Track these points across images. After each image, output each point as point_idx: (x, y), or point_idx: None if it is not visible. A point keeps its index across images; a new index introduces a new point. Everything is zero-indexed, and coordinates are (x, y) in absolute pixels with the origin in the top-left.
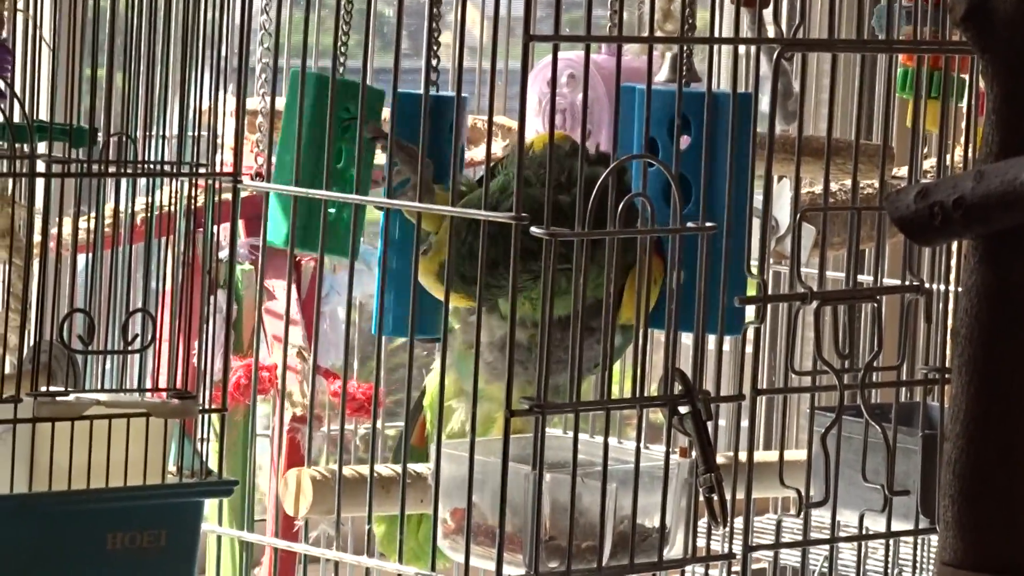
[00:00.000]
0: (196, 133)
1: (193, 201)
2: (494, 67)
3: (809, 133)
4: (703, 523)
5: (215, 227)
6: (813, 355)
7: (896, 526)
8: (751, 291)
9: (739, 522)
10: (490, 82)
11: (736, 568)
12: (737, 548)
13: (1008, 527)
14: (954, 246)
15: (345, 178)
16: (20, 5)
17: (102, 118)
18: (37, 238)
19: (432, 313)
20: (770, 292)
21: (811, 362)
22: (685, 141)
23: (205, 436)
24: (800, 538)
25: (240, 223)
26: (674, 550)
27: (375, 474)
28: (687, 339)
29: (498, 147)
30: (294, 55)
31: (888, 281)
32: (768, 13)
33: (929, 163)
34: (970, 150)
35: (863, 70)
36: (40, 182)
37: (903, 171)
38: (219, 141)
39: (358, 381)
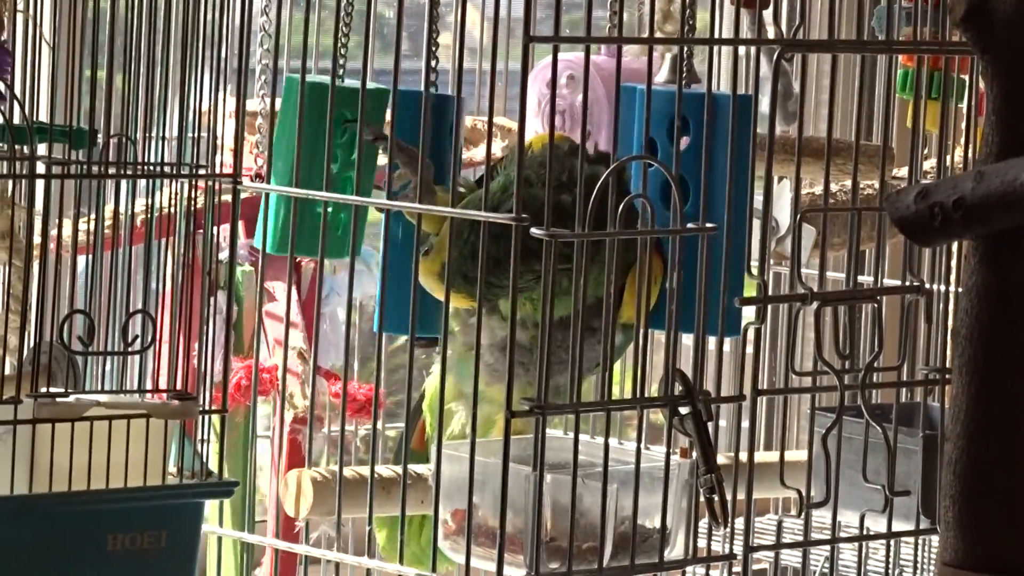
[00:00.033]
0: (196, 134)
1: (193, 202)
2: (494, 68)
3: (809, 134)
4: (704, 524)
5: (215, 228)
6: (813, 356)
7: (897, 526)
8: (751, 292)
9: (740, 523)
10: (490, 83)
11: (737, 569)
12: (738, 549)
13: (1009, 527)
14: (954, 247)
15: (340, 181)
16: (20, 6)
17: (102, 119)
18: (37, 239)
19: (433, 312)
20: (770, 293)
21: (811, 363)
22: (684, 142)
23: (205, 437)
24: (801, 539)
25: (240, 224)
26: (675, 551)
27: (375, 475)
28: (687, 340)
29: (496, 148)
30: (294, 56)
31: (888, 282)
32: (768, 14)
33: (929, 164)
34: (970, 151)
35: (863, 71)
36: (40, 183)
37: (903, 172)
38: (219, 142)
39: (359, 382)
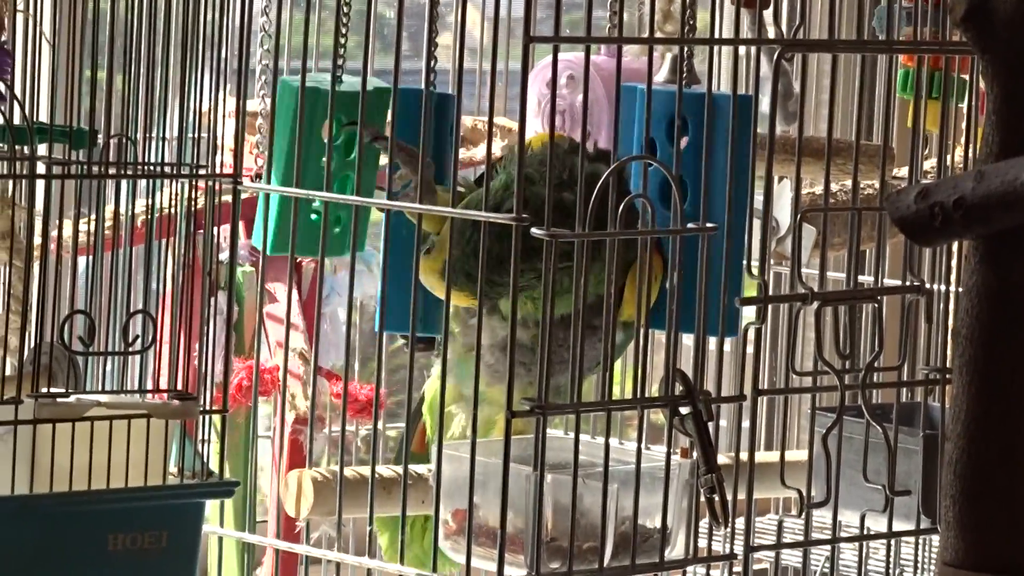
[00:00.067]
0: (196, 135)
1: (193, 203)
2: (494, 68)
3: (809, 134)
4: (704, 524)
5: (215, 229)
6: (814, 355)
7: (897, 526)
8: (751, 292)
9: (740, 522)
10: (490, 83)
11: (737, 568)
12: (738, 548)
13: (1009, 527)
14: (955, 246)
15: (337, 181)
16: (20, 6)
17: (102, 120)
18: (37, 240)
19: (433, 312)
20: (771, 293)
21: (812, 362)
22: (683, 142)
23: (206, 437)
24: (801, 538)
25: (240, 224)
26: (675, 551)
27: (376, 475)
28: (688, 340)
29: (496, 148)
30: (294, 57)
31: (889, 281)
32: (768, 14)
33: (929, 163)
34: (970, 150)
35: (863, 71)
36: (40, 184)
37: (903, 172)
38: (219, 143)
39: (360, 382)
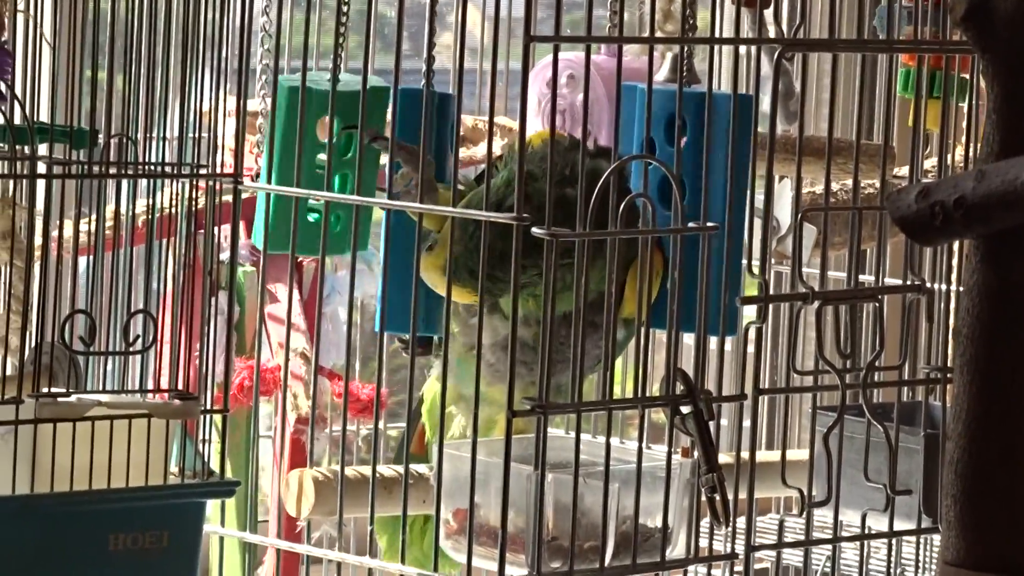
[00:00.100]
0: (197, 134)
1: (194, 203)
2: (495, 68)
3: (810, 133)
4: (705, 523)
5: (216, 228)
6: (815, 355)
7: (898, 525)
8: (752, 291)
9: (741, 522)
10: (491, 83)
11: (739, 568)
12: (739, 548)
13: (1010, 526)
14: (955, 246)
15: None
16: (21, 6)
17: (103, 119)
18: (38, 240)
19: (433, 312)
20: (771, 292)
21: (813, 362)
22: (682, 142)
23: (207, 437)
24: (802, 538)
25: (241, 224)
26: (676, 550)
27: (377, 475)
28: (688, 339)
29: (496, 147)
30: (295, 57)
31: (890, 281)
32: (769, 13)
33: (930, 163)
34: (971, 150)
35: (864, 70)
36: (41, 184)
37: (904, 171)
38: (219, 143)
39: (361, 382)
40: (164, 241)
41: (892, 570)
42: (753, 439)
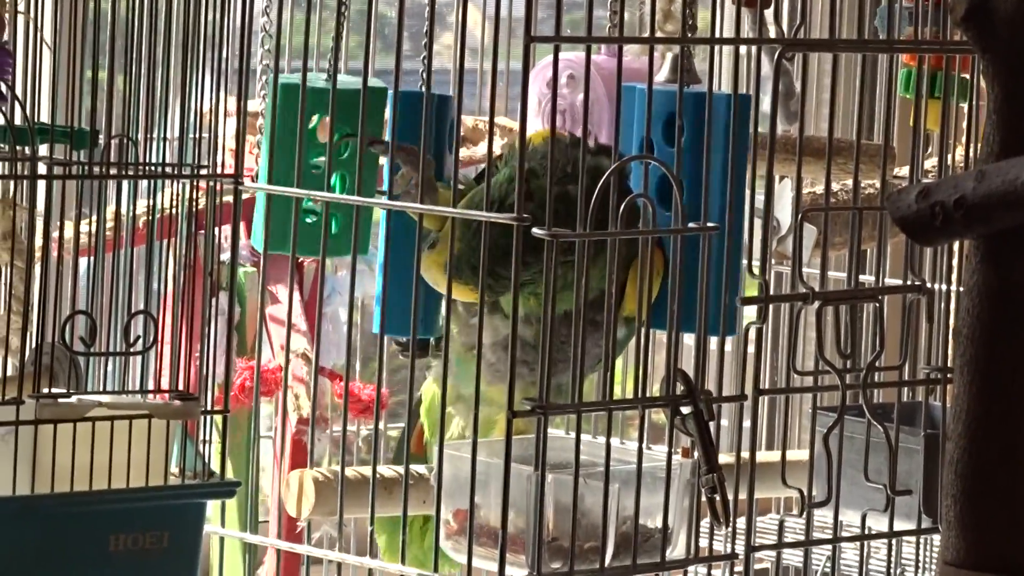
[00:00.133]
0: (197, 135)
1: (194, 203)
2: (495, 68)
3: (810, 133)
4: (705, 523)
5: (216, 229)
6: (815, 355)
7: (898, 526)
8: (752, 291)
9: (741, 522)
10: (491, 83)
11: (739, 568)
12: (739, 548)
13: (1010, 526)
14: (956, 246)
15: (318, 179)
16: (21, 7)
17: (103, 120)
18: (39, 240)
19: (431, 313)
20: (772, 292)
21: (813, 362)
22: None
23: (208, 437)
24: (802, 538)
25: (241, 225)
26: (676, 550)
27: (377, 475)
28: (689, 339)
29: (496, 147)
30: (295, 57)
31: (890, 281)
32: (769, 13)
33: (930, 163)
34: (971, 150)
35: (864, 70)
36: (41, 184)
37: (904, 171)
38: (220, 143)
39: (362, 382)
40: (164, 242)
41: (892, 570)
42: (753, 439)
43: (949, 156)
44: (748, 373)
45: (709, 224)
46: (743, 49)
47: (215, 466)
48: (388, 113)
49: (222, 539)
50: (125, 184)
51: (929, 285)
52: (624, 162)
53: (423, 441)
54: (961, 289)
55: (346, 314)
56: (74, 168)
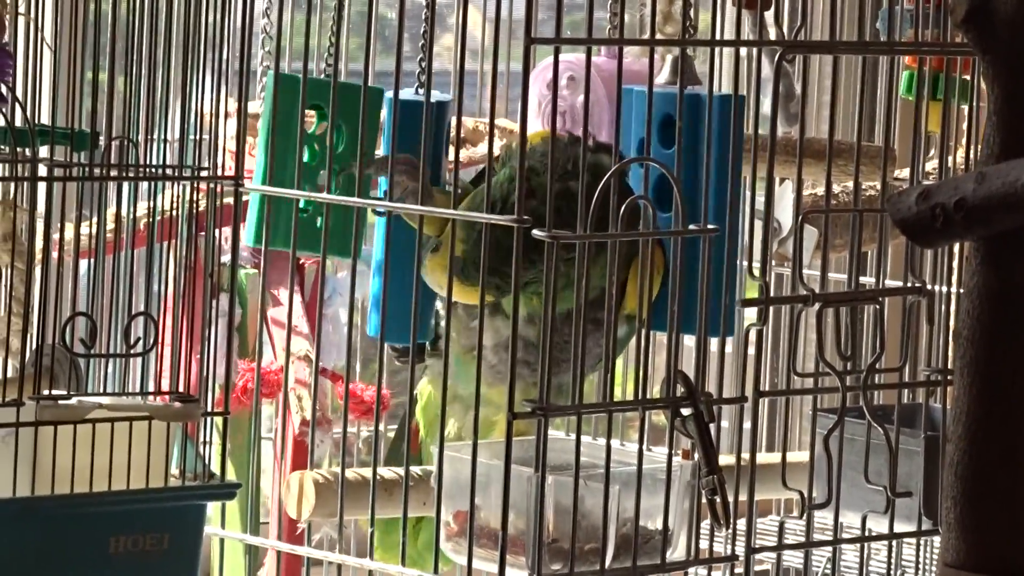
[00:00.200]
0: (197, 137)
1: (195, 205)
2: (495, 69)
3: (811, 135)
4: (706, 525)
5: (217, 231)
6: (815, 357)
7: (899, 527)
8: (753, 293)
9: (742, 524)
10: (491, 84)
11: (739, 570)
12: (740, 550)
13: (1010, 528)
14: (956, 248)
15: (313, 176)
16: (21, 9)
17: (103, 122)
18: (39, 242)
19: (425, 317)
20: (772, 294)
21: (813, 364)
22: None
23: (208, 439)
24: (803, 539)
25: (242, 226)
26: (677, 552)
27: (377, 477)
28: (689, 341)
29: (496, 147)
30: (295, 58)
31: (890, 283)
32: (769, 15)
33: (931, 165)
34: (972, 152)
35: (864, 72)
36: (42, 186)
37: (905, 173)
38: (220, 144)
39: (364, 383)
40: (165, 244)
41: (892, 572)
42: (753, 441)
43: (950, 158)
44: (748, 375)
45: (709, 226)
46: (743, 51)
47: (215, 468)
48: (383, 113)
49: (222, 540)
50: (125, 186)
51: (929, 287)
52: (624, 164)
53: (419, 440)
54: (961, 291)
55: (346, 315)
56: (74, 170)
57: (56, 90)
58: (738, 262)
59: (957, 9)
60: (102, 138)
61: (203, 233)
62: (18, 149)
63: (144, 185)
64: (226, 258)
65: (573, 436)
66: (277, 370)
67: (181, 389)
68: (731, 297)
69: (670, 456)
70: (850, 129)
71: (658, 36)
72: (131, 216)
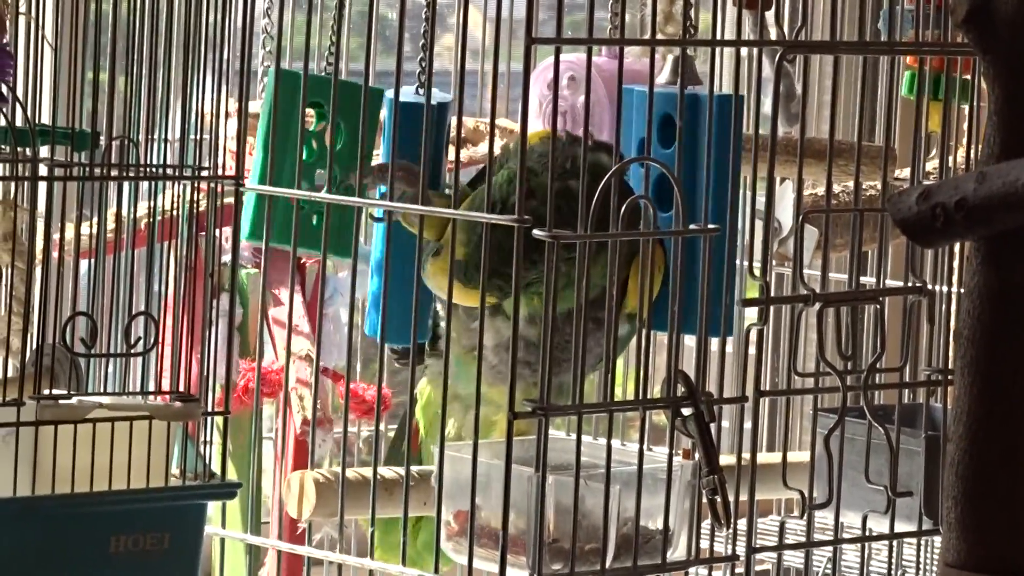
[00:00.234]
0: (198, 136)
1: (195, 205)
2: (496, 69)
3: (811, 135)
4: (706, 525)
5: (217, 230)
6: (816, 357)
7: (899, 527)
8: (753, 293)
9: (742, 524)
10: (492, 84)
11: (739, 570)
12: (740, 550)
13: (1010, 528)
14: (956, 247)
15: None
16: (22, 8)
17: (104, 122)
18: (40, 242)
19: (423, 317)
20: (773, 294)
21: (814, 364)
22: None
23: (209, 439)
24: (803, 539)
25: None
26: (677, 552)
27: (378, 477)
28: (690, 341)
29: (496, 147)
30: (296, 58)
31: (891, 283)
32: (770, 15)
33: (931, 165)
34: (972, 152)
35: (865, 72)
36: (42, 186)
37: (905, 173)
38: (221, 144)
39: (365, 383)
40: (165, 243)
41: (893, 572)
42: (754, 441)
43: (950, 158)
44: (749, 375)
45: (710, 226)
46: (744, 51)
47: (216, 467)
48: (383, 113)
49: (223, 540)
50: (126, 185)
51: (930, 287)
52: (625, 164)
53: (419, 440)
54: (962, 291)
55: (347, 315)
56: (75, 170)
57: (57, 90)
58: (738, 262)
59: (958, 9)
60: (103, 138)
61: (203, 233)
62: (19, 149)
63: (144, 185)
64: (227, 258)
65: (573, 436)
66: (278, 370)
67: (182, 389)
68: (731, 297)
69: (671, 456)
70: (851, 129)
71: (659, 36)
72: (132, 216)
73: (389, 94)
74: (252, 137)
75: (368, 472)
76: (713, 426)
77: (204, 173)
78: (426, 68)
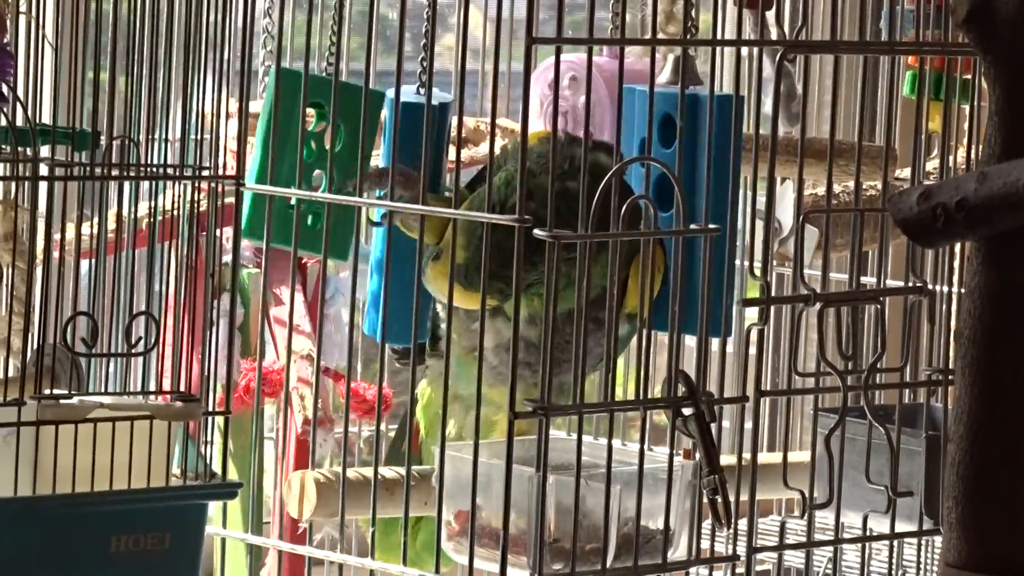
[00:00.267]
0: (199, 136)
1: (196, 204)
2: (496, 69)
3: (812, 135)
4: (707, 525)
5: (218, 230)
6: (816, 357)
7: (900, 527)
8: (754, 293)
9: (743, 524)
10: (492, 84)
11: (740, 570)
12: (741, 550)
13: (1011, 528)
14: (957, 247)
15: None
16: (23, 8)
17: (105, 121)
18: (40, 242)
19: (423, 317)
20: (773, 294)
21: (814, 364)
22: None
23: (209, 439)
24: (804, 539)
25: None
26: (678, 552)
27: (379, 476)
28: (690, 341)
29: (497, 147)
30: (297, 58)
31: (891, 283)
32: (771, 15)
33: (932, 165)
34: (973, 152)
35: (866, 72)
36: (43, 186)
37: (906, 173)
38: (221, 144)
39: (366, 383)
40: (166, 243)
41: (893, 572)
42: (755, 441)
43: (951, 158)
44: (750, 374)
45: (710, 226)
46: (744, 51)
47: (217, 467)
48: (383, 113)
49: (224, 540)
50: (127, 185)
51: (930, 287)
52: (625, 164)
53: (419, 440)
54: (962, 291)
55: (348, 314)
56: (76, 169)
57: (57, 89)
58: (739, 262)
59: (958, 9)
60: (103, 138)
61: (204, 233)
62: (19, 148)
63: (145, 185)
64: (227, 258)
65: (574, 436)
66: (279, 369)
67: (182, 389)
68: (731, 297)
69: (671, 456)
70: (851, 129)
71: (659, 36)
72: (132, 216)
73: (390, 94)
74: (253, 137)
75: (369, 472)
76: (714, 426)
77: (205, 173)
78: (427, 68)
